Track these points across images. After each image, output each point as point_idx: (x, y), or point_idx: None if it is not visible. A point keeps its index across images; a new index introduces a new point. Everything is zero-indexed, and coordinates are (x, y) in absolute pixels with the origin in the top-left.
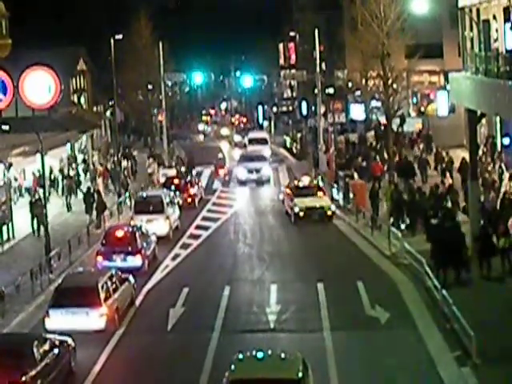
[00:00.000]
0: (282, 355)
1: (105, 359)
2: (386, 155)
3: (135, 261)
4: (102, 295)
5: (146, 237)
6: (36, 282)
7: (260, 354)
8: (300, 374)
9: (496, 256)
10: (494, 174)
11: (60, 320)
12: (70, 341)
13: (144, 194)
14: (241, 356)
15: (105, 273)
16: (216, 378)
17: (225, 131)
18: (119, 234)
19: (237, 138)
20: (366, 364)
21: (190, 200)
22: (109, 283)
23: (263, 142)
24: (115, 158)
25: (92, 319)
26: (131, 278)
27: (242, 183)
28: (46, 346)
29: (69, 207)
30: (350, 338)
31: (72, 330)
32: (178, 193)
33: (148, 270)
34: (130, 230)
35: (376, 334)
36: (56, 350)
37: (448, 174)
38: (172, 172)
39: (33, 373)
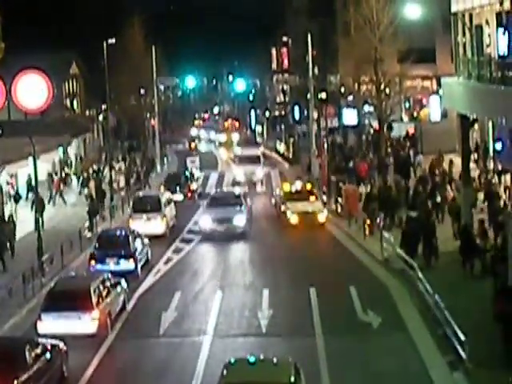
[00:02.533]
0: (275, 360)
1: (97, 364)
2: (371, 156)
3: (128, 264)
4: (94, 299)
5: (139, 240)
6: (28, 285)
7: (252, 359)
8: (292, 379)
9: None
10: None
11: (52, 324)
12: (61, 345)
13: (141, 194)
14: (233, 360)
15: (97, 277)
16: (208, 382)
17: (223, 137)
18: (112, 237)
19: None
20: (358, 369)
21: (189, 195)
22: (101, 287)
23: (255, 160)
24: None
25: (84, 323)
26: (123, 282)
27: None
28: (38, 350)
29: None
30: (342, 343)
31: (64, 334)
32: (178, 188)
33: (141, 273)
34: (123, 233)
35: (368, 339)
36: (48, 354)
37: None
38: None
39: (24, 377)
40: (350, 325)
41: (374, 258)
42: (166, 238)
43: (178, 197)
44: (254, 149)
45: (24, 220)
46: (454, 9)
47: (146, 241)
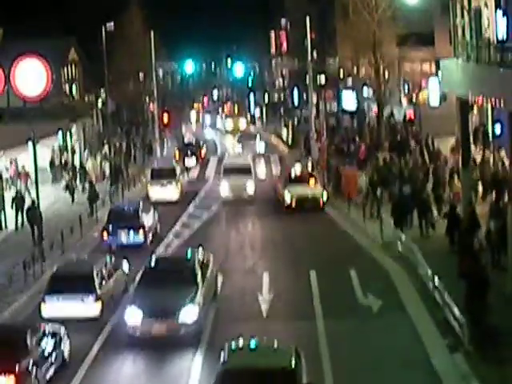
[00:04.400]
0: (275, 345)
1: (98, 347)
2: (368, 139)
3: (138, 236)
4: (97, 282)
5: (149, 214)
6: (29, 271)
7: (252, 344)
8: (293, 364)
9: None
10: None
11: (56, 306)
12: (62, 330)
13: (158, 164)
14: (233, 346)
15: (99, 260)
16: (209, 367)
17: (229, 124)
18: (123, 211)
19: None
20: (359, 352)
21: (201, 160)
22: (103, 270)
23: (246, 172)
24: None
25: (87, 306)
26: (126, 264)
27: None
28: (39, 336)
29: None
30: (342, 326)
31: (68, 317)
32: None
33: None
34: (134, 207)
35: (368, 322)
36: (49, 339)
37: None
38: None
39: (26, 362)
40: (350, 308)
41: (374, 241)
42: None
43: (192, 161)
44: (244, 157)
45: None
46: None
47: (156, 215)
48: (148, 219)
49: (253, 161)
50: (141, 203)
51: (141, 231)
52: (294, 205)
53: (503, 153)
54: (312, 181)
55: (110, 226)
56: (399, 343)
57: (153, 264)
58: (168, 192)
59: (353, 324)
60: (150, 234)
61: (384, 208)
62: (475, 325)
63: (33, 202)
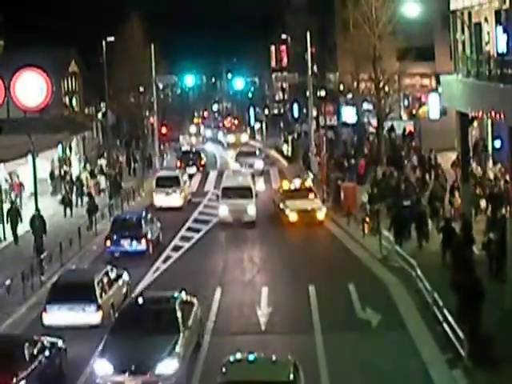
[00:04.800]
0: (274, 358)
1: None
2: (368, 154)
3: (141, 245)
4: (98, 291)
5: (151, 223)
6: (27, 283)
7: (251, 357)
8: (291, 377)
9: None
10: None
11: (57, 315)
12: (60, 342)
13: (162, 173)
14: (232, 359)
15: (100, 270)
16: (207, 380)
17: (232, 138)
18: (126, 220)
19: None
20: (357, 367)
21: (201, 168)
22: (104, 280)
23: (246, 194)
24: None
25: (88, 314)
26: (126, 274)
27: None
28: (37, 348)
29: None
30: (341, 341)
31: (69, 325)
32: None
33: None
34: (136, 217)
35: (367, 337)
36: (47, 352)
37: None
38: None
39: (23, 374)
40: (349, 322)
41: (373, 255)
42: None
43: (192, 169)
44: (244, 176)
45: (23, 217)
46: (452, 7)
47: (158, 224)
48: (151, 228)
49: (252, 178)
50: (143, 213)
51: (143, 240)
52: (293, 219)
53: (498, 167)
54: (311, 195)
55: (114, 235)
56: (398, 358)
57: (129, 307)
58: (172, 199)
59: (351, 338)
60: (152, 243)
61: (383, 222)
62: (470, 335)
63: (38, 210)
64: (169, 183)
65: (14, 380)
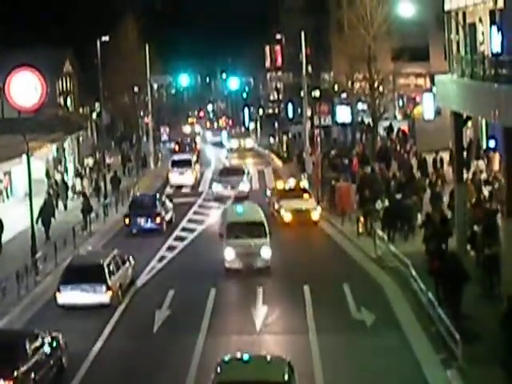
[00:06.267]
0: (268, 358)
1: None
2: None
3: (155, 223)
4: (107, 273)
5: (165, 204)
6: (22, 283)
7: (246, 357)
8: (286, 377)
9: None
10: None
11: (70, 295)
12: (60, 337)
13: (176, 157)
14: (227, 359)
15: (109, 254)
16: (202, 380)
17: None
18: (142, 201)
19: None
20: (352, 367)
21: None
22: (112, 263)
23: (258, 230)
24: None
25: (99, 294)
26: (131, 258)
27: None
28: (38, 343)
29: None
30: (335, 341)
31: (81, 304)
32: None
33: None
34: (151, 198)
35: (362, 337)
36: (47, 347)
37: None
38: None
39: (24, 368)
40: (343, 323)
41: (368, 255)
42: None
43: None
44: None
45: (17, 218)
46: (447, 7)
47: (171, 205)
48: (164, 208)
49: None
50: (158, 194)
51: (158, 218)
52: (287, 219)
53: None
54: (306, 195)
55: (131, 214)
56: (393, 358)
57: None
58: (185, 178)
59: (346, 338)
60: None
61: (377, 223)
62: (453, 319)
63: (44, 201)
64: (182, 164)
65: (16, 373)
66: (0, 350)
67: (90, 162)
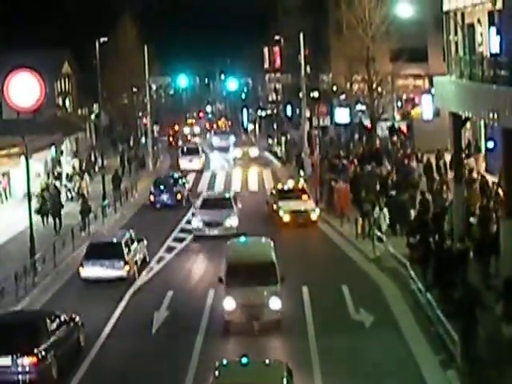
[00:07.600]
0: (267, 361)
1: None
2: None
3: (177, 198)
4: (125, 250)
5: (184, 182)
6: (20, 284)
7: (244, 361)
8: (284, 381)
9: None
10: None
11: (92, 269)
12: (78, 318)
13: (186, 147)
14: (225, 362)
15: (125, 234)
16: (200, 382)
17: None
18: (165, 180)
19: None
20: (351, 368)
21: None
22: (129, 242)
23: (266, 274)
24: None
25: (117, 269)
26: (144, 239)
27: None
28: (57, 322)
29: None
30: (334, 342)
31: (101, 277)
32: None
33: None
34: (173, 178)
35: (360, 338)
36: (65, 326)
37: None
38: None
39: (45, 346)
40: (342, 324)
41: (366, 256)
42: None
43: (194, 145)
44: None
45: (16, 219)
46: (445, 8)
47: (187, 185)
48: (184, 187)
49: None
50: (178, 174)
51: (178, 194)
52: (286, 220)
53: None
54: (305, 196)
55: (155, 192)
56: (392, 359)
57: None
58: (193, 164)
59: (345, 340)
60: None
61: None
62: (445, 302)
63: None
64: (191, 152)
65: (36, 350)
66: (22, 329)
67: (75, 163)
